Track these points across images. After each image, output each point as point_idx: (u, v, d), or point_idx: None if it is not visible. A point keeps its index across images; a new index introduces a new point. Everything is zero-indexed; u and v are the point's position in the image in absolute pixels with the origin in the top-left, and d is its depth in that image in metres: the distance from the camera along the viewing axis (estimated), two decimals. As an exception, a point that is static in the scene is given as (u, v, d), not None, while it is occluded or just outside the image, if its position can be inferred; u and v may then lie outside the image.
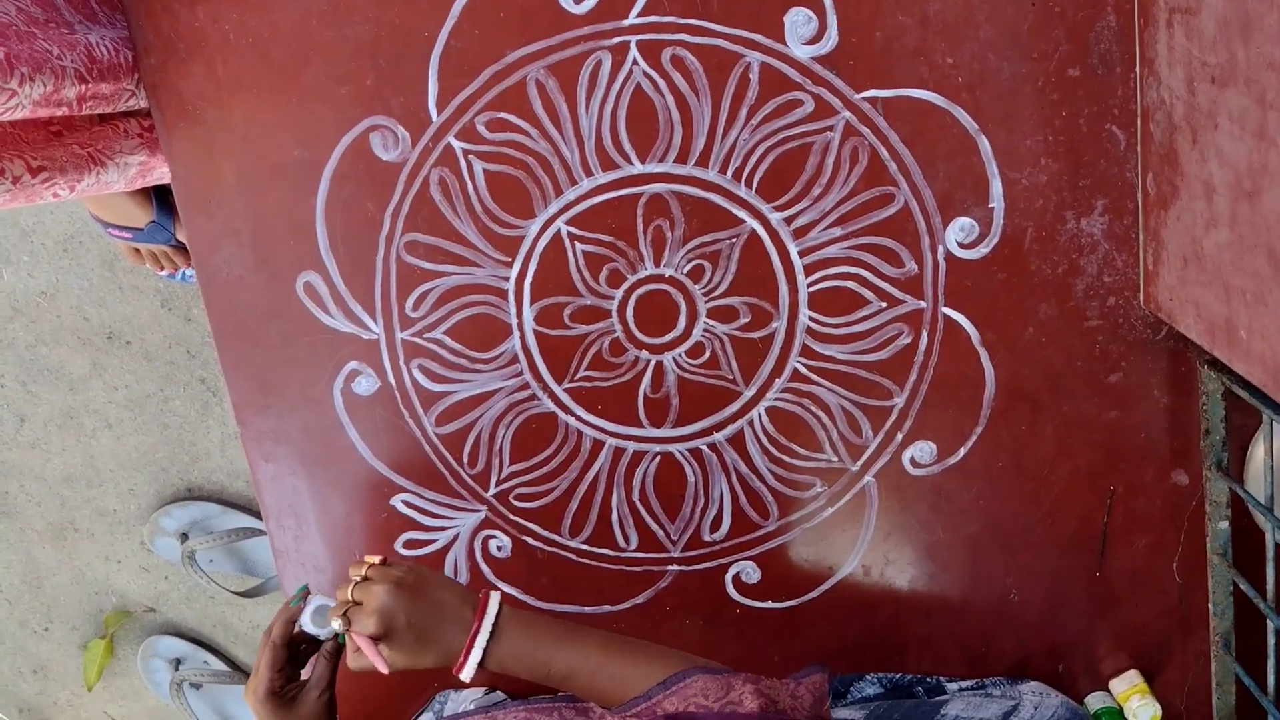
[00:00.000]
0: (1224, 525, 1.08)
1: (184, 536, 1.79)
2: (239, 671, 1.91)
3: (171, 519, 1.80)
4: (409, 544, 1.17)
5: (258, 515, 1.79)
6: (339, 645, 0.95)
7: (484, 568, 1.17)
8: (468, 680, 0.88)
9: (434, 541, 1.17)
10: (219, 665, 1.91)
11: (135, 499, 1.83)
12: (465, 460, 1.14)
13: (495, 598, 0.89)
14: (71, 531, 1.87)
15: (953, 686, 1.13)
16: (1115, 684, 1.16)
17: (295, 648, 0.97)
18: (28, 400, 1.78)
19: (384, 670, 0.88)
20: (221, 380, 1.71)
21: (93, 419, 1.79)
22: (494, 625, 0.88)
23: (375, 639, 0.87)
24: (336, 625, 0.89)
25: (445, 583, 0.90)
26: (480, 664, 0.88)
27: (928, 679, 1.14)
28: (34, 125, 0.93)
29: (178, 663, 1.91)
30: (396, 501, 1.15)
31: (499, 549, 1.16)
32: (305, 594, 0.98)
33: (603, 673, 0.87)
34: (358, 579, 0.90)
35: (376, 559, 0.92)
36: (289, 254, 1.08)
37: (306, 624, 0.95)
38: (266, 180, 1.06)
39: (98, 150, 1.02)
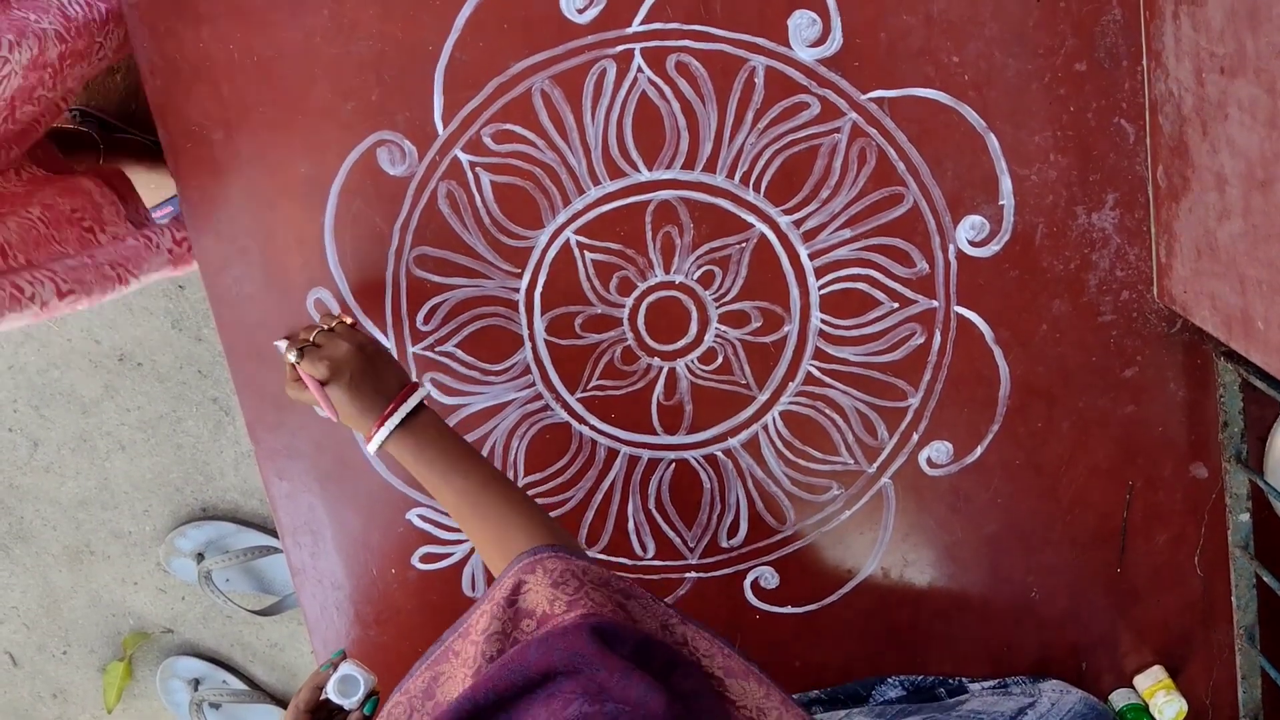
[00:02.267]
0: (1245, 517, 1.08)
1: (200, 556, 1.79)
2: (258, 690, 1.91)
3: (187, 539, 1.80)
4: (426, 558, 1.16)
5: (273, 533, 1.79)
6: (364, 717, 0.97)
7: (502, 580, 1.17)
8: (371, 452, 0.96)
9: (451, 555, 1.16)
10: (237, 684, 1.91)
11: (150, 520, 1.83)
12: (480, 473, 1.14)
13: (421, 391, 0.97)
14: (87, 554, 1.87)
15: (975, 686, 1.12)
16: (1139, 680, 1.16)
17: (321, 714, 0.99)
18: (40, 424, 1.79)
19: (320, 404, 0.96)
20: (233, 399, 1.72)
21: (106, 441, 1.79)
22: (410, 414, 0.95)
23: (320, 382, 0.96)
24: (291, 356, 0.97)
25: (394, 366, 0.99)
26: (384, 444, 0.95)
27: (950, 680, 1.13)
28: (67, 222, 0.95)
29: (196, 683, 1.91)
30: (412, 516, 1.15)
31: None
32: (339, 660, 0.98)
33: (475, 519, 0.92)
34: (325, 327, 0.99)
35: (349, 320, 1.01)
36: (299, 271, 1.08)
37: (331, 692, 0.96)
38: (274, 198, 1.06)
39: (126, 269, 1.07)
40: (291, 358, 0.97)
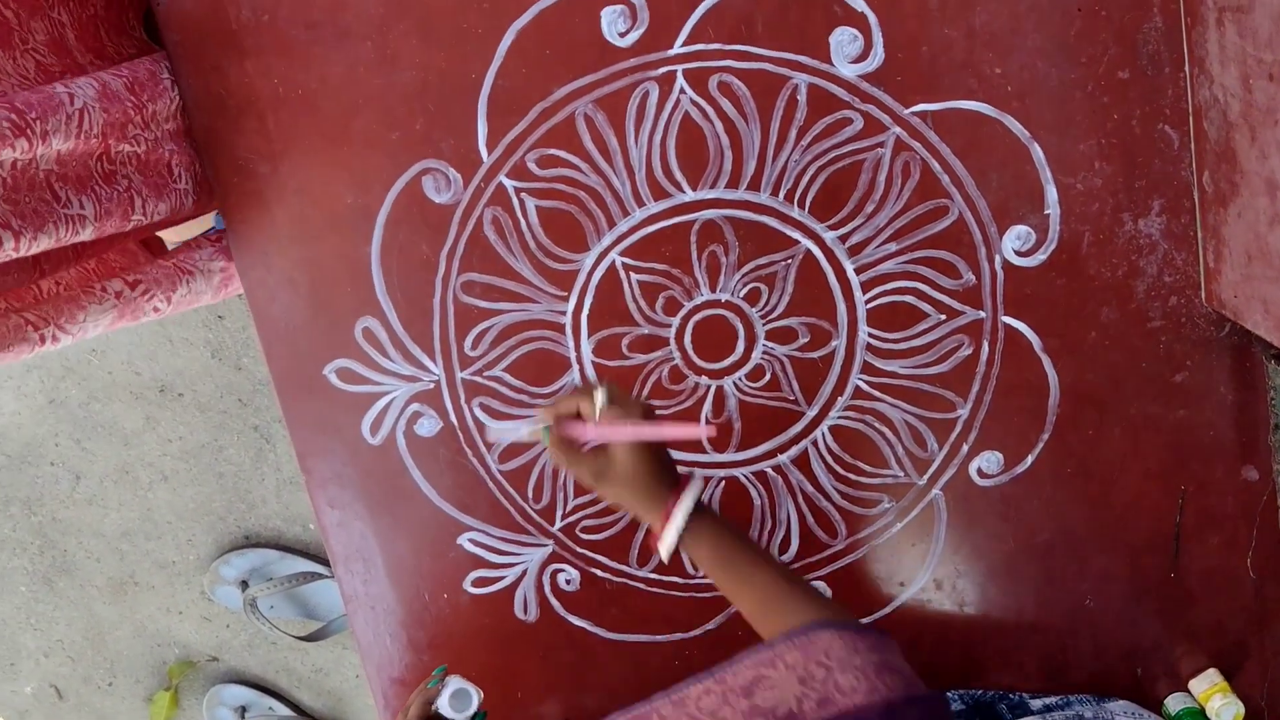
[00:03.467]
0: (1300, 519, 1.07)
1: (244, 584, 1.80)
2: (304, 716, 1.92)
3: (231, 567, 1.81)
4: (478, 582, 1.17)
5: (316, 559, 1.79)
6: None
7: (553, 601, 1.17)
8: (665, 555, 0.88)
9: (503, 579, 1.17)
10: (284, 710, 1.92)
11: (194, 549, 1.85)
12: (530, 495, 1.14)
13: (697, 480, 0.90)
14: (132, 585, 1.88)
15: (1036, 704, 1.12)
16: (1195, 684, 1.15)
17: None
18: (83, 457, 1.80)
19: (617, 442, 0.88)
20: (274, 427, 1.73)
21: (148, 472, 1.80)
22: (694, 506, 0.88)
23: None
24: (600, 398, 0.88)
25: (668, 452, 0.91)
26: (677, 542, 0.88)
27: (1010, 695, 1.13)
28: (120, 217, 0.95)
29: (243, 710, 1.91)
30: (464, 540, 1.16)
31: (568, 582, 1.16)
32: (444, 675, 0.99)
33: (749, 605, 0.87)
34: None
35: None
36: (347, 300, 1.09)
37: (445, 708, 0.96)
38: (321, 229, 1.07)
39: (179, 262, 1.06)
40: (600, 399, 0.88)
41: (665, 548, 0.88)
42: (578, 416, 0.90)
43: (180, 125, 1.05)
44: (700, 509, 0.89)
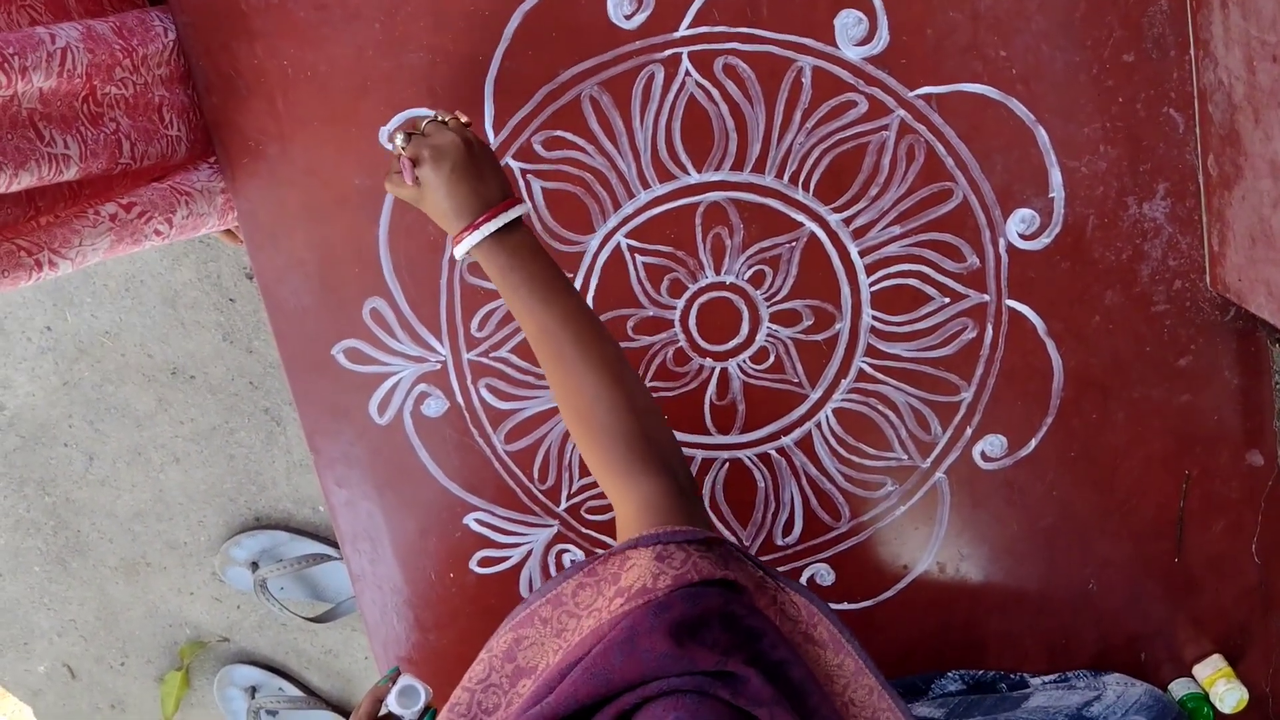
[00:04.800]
0: (1304, 504, 1.07)
1: (254, 565, 1.81)
2: (314, 697, 1.93)
3: (241, 548, 1.83)
4: (483, 561, 1.18)
5: (326, 541, 1.81)
6: None
7: (559, 582, 1.18)
8: (458, 257, 0.91)
9: (508, 558, 1.18)
10: (294, 691, 1.93)
11: (205, 531, 1.86)
12: (536, 476, 1.15)
13: (522, 206, 0.90)
14: (144, 566, 1.90)
15: (1036, 681, 1.13)
16: (1199, 669, 1.16)
17: None
18: (96, 439, 1.81)
19: (407, 186, 0.91)
20: (285, 409, 1.74)
21: (160, 454, 1.81)
22: (506, 228, 0.89)
23: (415, 163, 0.90)
24: (399, 140, 0.91)
25: (500, 172, 0.91)
26: (472, 250, 0.89)
27: (1010, 674, 1.13)
28: (108, 159, 0.95)
29: (253, 690, 1.93)
30: (469, 520, 1.16)
31: (572, 562, 1.17)
32: (395, 675, 1.00)
33: (553, 362, 0.87)
34: (441, 119, 0.92)
35: (464, 118, 0.94)
36: (355, 281, 1.10)
37: (392, 704, 0.98)
38: (330, 210, 1.08)
39: (177, 184, 1.04)
40: (399, 141, 0.91)
41: (457, 252, 0.89)
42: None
43: (174, 70, 1.04)
44: (513, 234, 0.89)
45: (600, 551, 1.10)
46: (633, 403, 0.86)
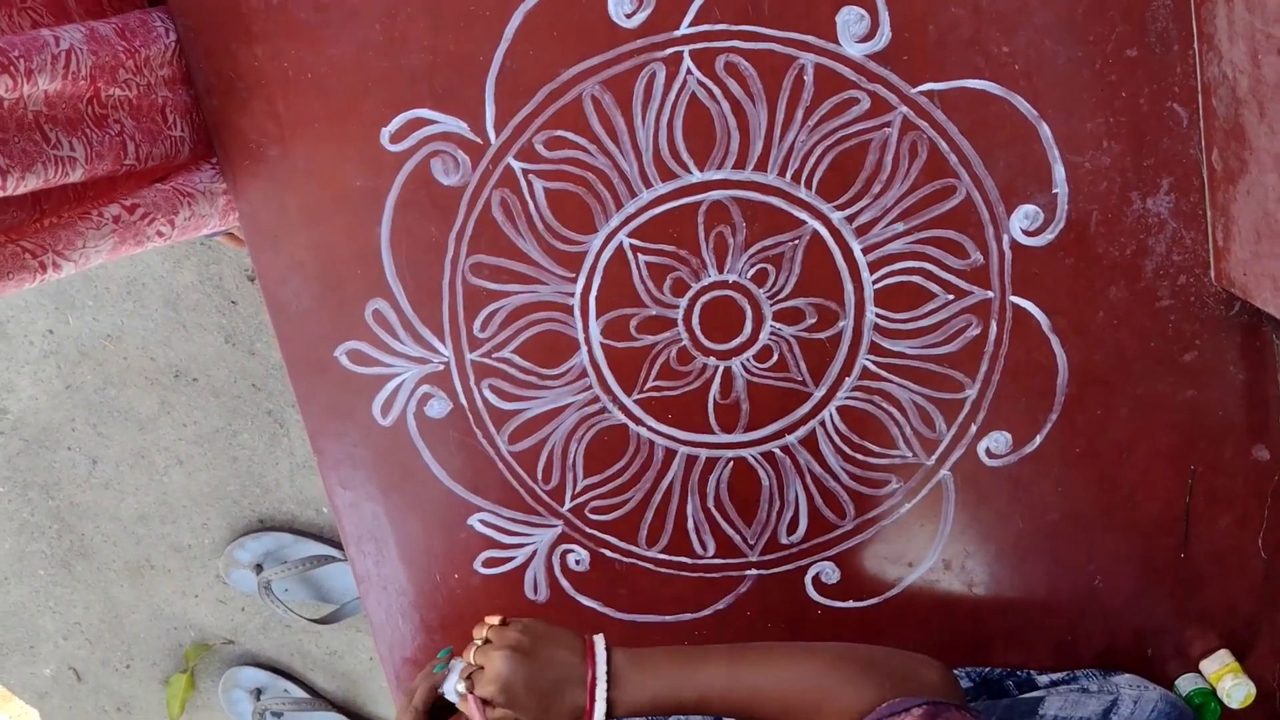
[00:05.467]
0: (1310, 499, 1.07)
1: (259, 567, 1.82)
2: (319, 699, 1.93)
3: (245, 551, 1.83)
4: (488, 562, 1.18)
5: (329, 542, 1.81)
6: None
7: (563, 582, 1.18)
8: None
9: (513, 559, 1.18)
10: (299, 693, 1.93)
11: (209, 533, 1.86)
12: (540, 476, 1.15)
13: (599, 642, 0.88)
14: (148, 569, 1.90)
15: (1043, 679, 1.12)
16: (1206, 665, 1.15)
17: (436, 714, 0.98)
18: (99, 442, 1.82)
19: None
20: (288, 411, 1.74)
21: (163, 457, 1.81)
22: (608, 672, 0.86)
23: (488, 704, 0.87)
24: (460, 688, 0.89)
25: (560, 637, 0.89)
26: (609, 715, 0.86)
27: (1018, 672, 1.13)
28: (113, 160, 0.95)
29: (259, 692, 1.93)
30: (474, 521, 1.16)
31: (577, 563, 1.17)
32: (449, 658, 0.98)
33: (734, 693, 0.85)
34: (479, 642, 0.90)
35: (495, 620, 0.91)
36: (356, 283, 1.10)
37: (450, 692, 0.95)
38: (331, 212, 1.08)
39: (179, 185, 1.04)
40: (461, 688, 0.89)
41: None
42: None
43: (176, 71, 1.04)
44: (626, 663, 0.87)
45: (605, 552, 1.11)
46: (859, 657, 0.85)
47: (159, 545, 1.87)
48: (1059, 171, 1.02)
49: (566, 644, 0.89)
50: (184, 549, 1.87)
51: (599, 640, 0.89)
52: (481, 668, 0.88)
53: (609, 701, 0.86)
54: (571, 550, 1.17)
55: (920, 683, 0.83)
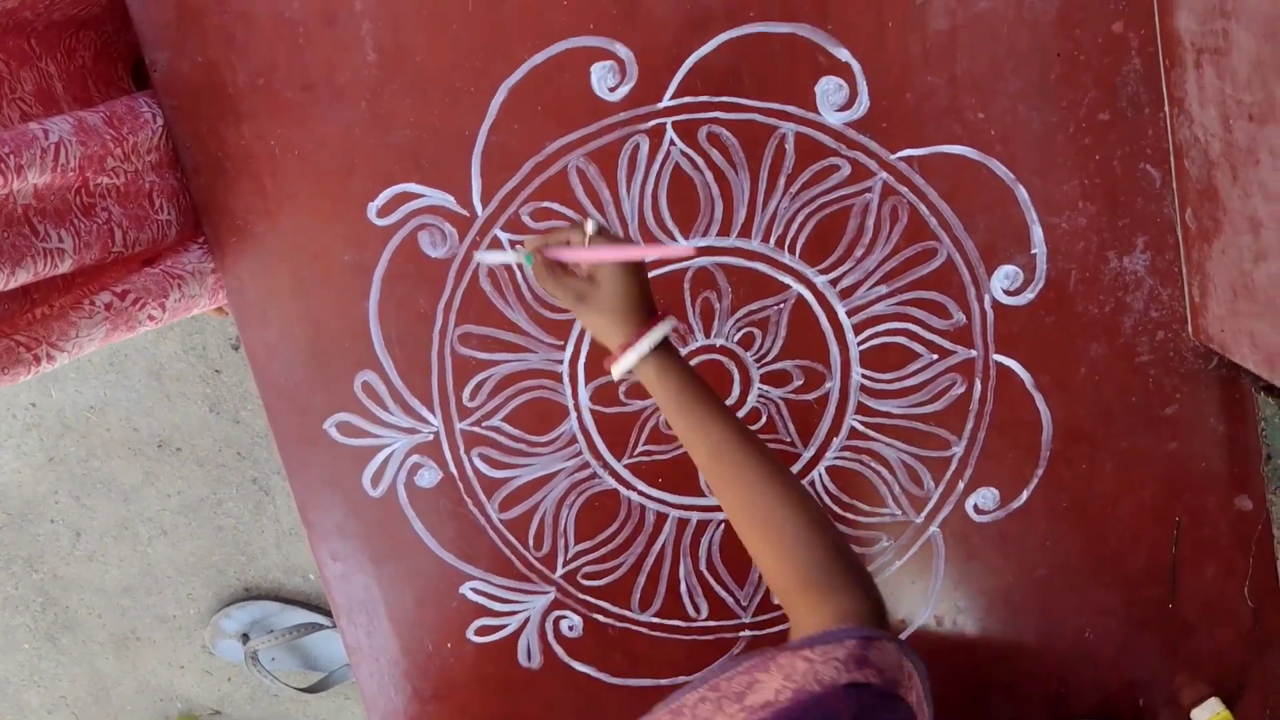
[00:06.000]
0: (1294, 547, 1.08)
1: (245, 637, 1.80)
2: (307, 767, 1.92)
3: (232, 620, 1.81)
4: (481, 630, 1.17)
5: (316, 610, 1.79)
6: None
7: (556, 648, 1.18)
8: (622, 371, 0.87)
9: (505, 626, 1.17)
10: (287, 762, 1.91)
11: (194, 603, 1.84)
12: (531, 543, 1.15)
13: (672, 320, 0.88)
14: (134, 640, 1.88)
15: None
16: (1197, 713, 1.16)
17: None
18: (83, 514, 1.80)
19: (576, 280, 0.88)
20: (273, 479, 1.73)
21: (148, 527, 1.80)
22: (668, 342, 0.87)
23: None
24: (590, 227, 0.87)
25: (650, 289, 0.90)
26: (641, 361, 0.87)
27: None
28: (100, 249, 0.95)
29: (247, 763, 1.91)
30: (466, 589, 1.16)
31: (570, 629, 1.17)
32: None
33: (731, 467, 0.85)
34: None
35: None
36: (346, 355, 1.10)
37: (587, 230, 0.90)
38: (319, 286, 1.08)
39: (168, 268, 1.05)
40: (590, 228, 0.88)
41: (619, 368, 0.87)
42: (566, 246, 0.90)
43: (163, 156, 1.05)
44: (669, 349, 0.88)
45: (598, 617, 1.10)
46: (822, 516, 0.84)
47: (144, 617, 1.86)
48: (1037, 232, 1.04)
49: (653, 303, 0.89)
50: (169, 620, 1.86)
51: (669, 318, 0.89)
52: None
53: (642, 361, 0.87)
54: (564, 616, 1.17)
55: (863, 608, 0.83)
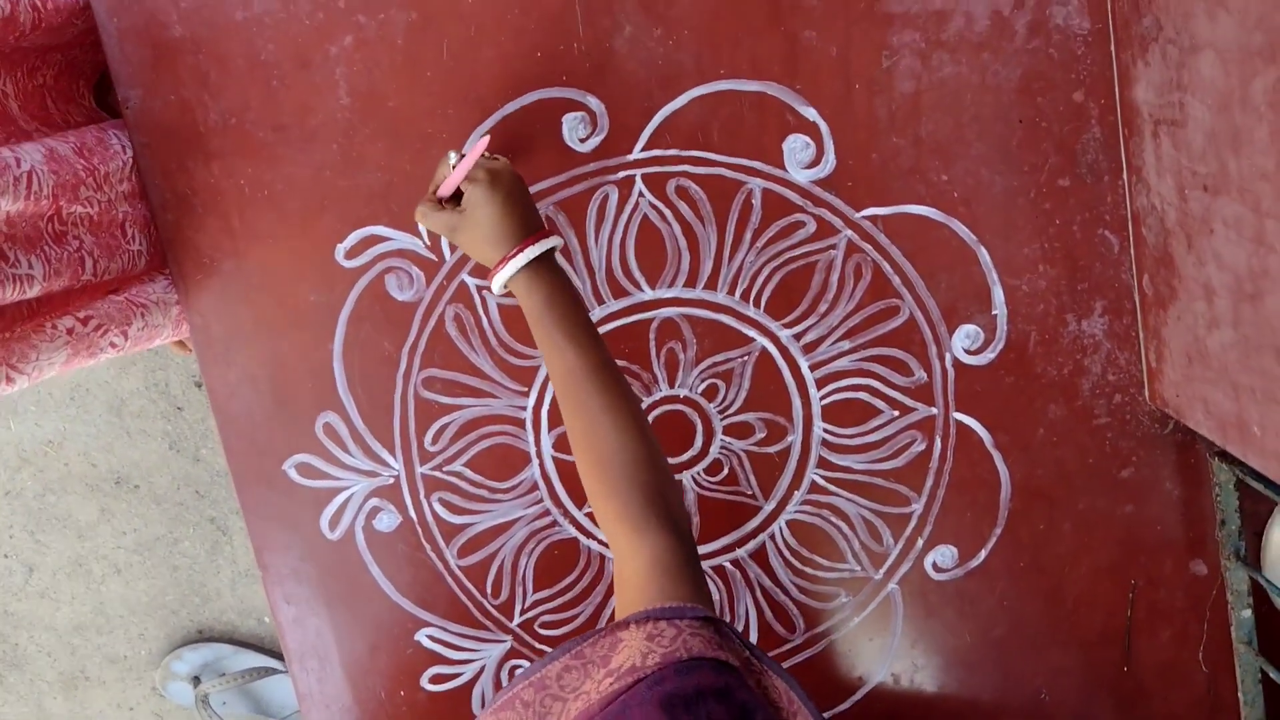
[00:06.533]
0: (1247, 613, 1.09)
1: (196, 680, 1.77)
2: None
3: (183, 662, 1.79)
4: (435, 678, 1.16)
5: (270, 654, 1.77)
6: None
7: (512, 698, 1.16)
8: (497, 289, 0.92)
9: (460, 675, 1.16)
10: (235, 810, 1.87)
11: (146, 644, 1.82)
12: (489, 591, 1.14)
13: (558, 238, 0.93)
14: (83, 680, 1.85)
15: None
16: (1152, 778, 1.16)
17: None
18: (36, 550, 1.78)
19: (445, 211, 0.93)
20: (231, 519, 1.71)
21: (101, 565, 1.78)
22: (545, 260, 0.91)
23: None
24: (453, 158, 0.95)
25: (535, 207, 0.95)
26: (512, 278, 0.91)
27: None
28: (70, 277, 0.95)
29: (193, 810, 1.87)
30: (421, 637, 1.15)
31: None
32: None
33: (573, 409, 0.89)
34: (490, 157, 0.95)
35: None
36: (308, 396, 1.10)
37: (451, 158, 0.96)
38: (284, 326, 1.08)
39: (132, 296, 1.04)
40: (452, 159, 0.94)
41: (495, 284, 0.91)
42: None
43: (135, 186, 1.05)
44: (551, 271, 0.91)
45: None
46: (653, 457, 0.87)
47: (94, 656, 1.83)
48: (998, 294, 1.05)
49: (537, 215, 0.94)
50: (120, 660, 1.83)
51: (559, 238, 0.93)
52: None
53: (515, 274, 0.91)
54: (520, 666, 1.16)
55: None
